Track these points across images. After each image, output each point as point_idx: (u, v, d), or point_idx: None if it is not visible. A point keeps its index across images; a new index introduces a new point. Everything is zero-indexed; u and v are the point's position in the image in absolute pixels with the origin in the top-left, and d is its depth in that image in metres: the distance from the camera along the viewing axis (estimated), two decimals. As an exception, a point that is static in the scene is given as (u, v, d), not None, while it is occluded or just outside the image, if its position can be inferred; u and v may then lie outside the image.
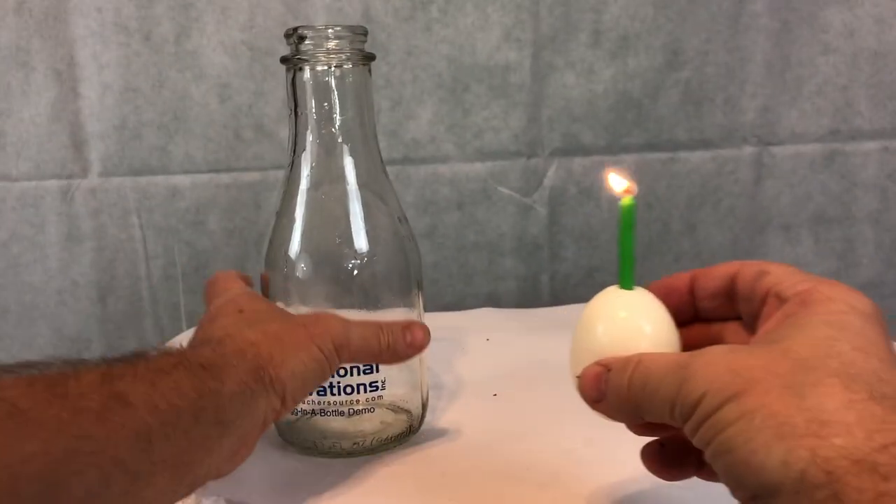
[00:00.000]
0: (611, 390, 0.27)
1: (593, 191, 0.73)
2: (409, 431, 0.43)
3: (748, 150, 0.72)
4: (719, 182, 0.72)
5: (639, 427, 0.30)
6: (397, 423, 0.42)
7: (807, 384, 0.21)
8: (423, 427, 0.44)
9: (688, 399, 0.23)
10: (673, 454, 0.29)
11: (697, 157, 0.72)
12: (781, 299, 0.26)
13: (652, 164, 0.72)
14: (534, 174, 0.72)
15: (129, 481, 0.25)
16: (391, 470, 0.40)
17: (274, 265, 0.41)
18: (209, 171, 0.72)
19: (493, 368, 0.53)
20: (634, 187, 0.29)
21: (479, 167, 0.72)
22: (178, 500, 0.28)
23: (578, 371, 0.29)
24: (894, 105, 0.70)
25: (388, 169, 0.73)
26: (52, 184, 0.72)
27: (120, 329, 0.75)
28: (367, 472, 0.39)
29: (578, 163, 0.72)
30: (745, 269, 0.29)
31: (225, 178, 0.72)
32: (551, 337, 0.60)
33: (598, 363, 0.28)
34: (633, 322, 0.29)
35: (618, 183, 0.30)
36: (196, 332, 0.36)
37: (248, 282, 0.40)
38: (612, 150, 0.72)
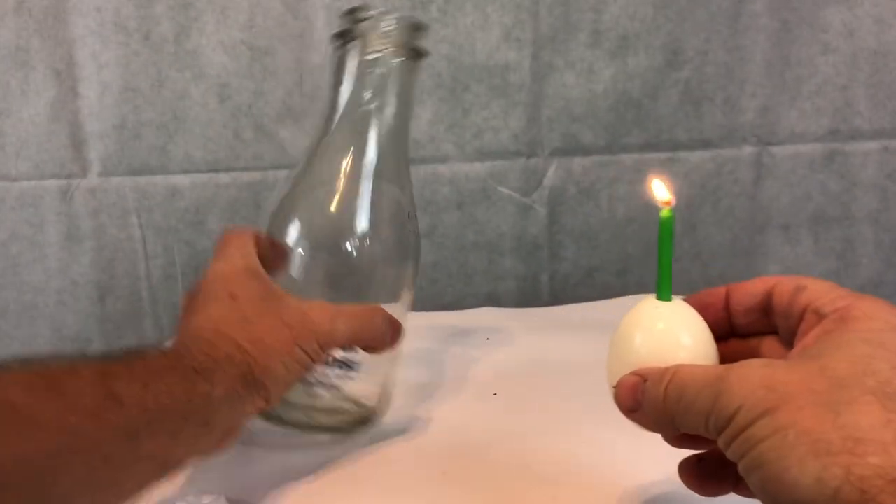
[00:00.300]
0: (647, 401, 0.27)
1: (593, 191, 0.73)
2: (363, 423, 0.43)
3: (748, 149, 0.72)
4: (719, 182, 0.73)
5: (675, 439, 0.30)
6: (353, 412, 0.42)
7: (843, 402, 0.21)
8: (424, 427, 0.44)
9: (723, 412, 0.23)
10: (710, 469, 0.29)
11: (697, 156, 0.72)
12: (820, 315, 0.26)
13: (651, 163, 0.72)
14: (533, 174, 0.72)
15: (113, 472, 0.26)
16: (391, 469, 0.40)
17: (277, 231, 0.41)
18: (209, 170, 0.72)
19: (493, 368, 0.53)
20: (674, 200, 0.29)
21: (478, 167, 0.72)
22: (156, 484, 0.29)
23: (615, 381, 0.29)
24: (894, 105, 0.70)
25: (388, 169, 0.73)
26: (52, 183, 0.72)
27: (119, 329, 0.75)
28: (368, 472, 0.39)
29: (578, 163, 0.72)
30: (782, 284, 0.29)
31: (224, 177, 0.72)
32: (551, 337, 0.60)
33: (634, 373, 0.28)
34: (670, 334, 0.29)
35: (660, 192, 0.30)
36: (188, 308, 0.37)
37: (262, 244, 0.39)
38: (612, 149, 0.72)
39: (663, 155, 0.72)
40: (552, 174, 0.72)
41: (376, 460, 0.40)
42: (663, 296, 0.30)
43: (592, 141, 0.71)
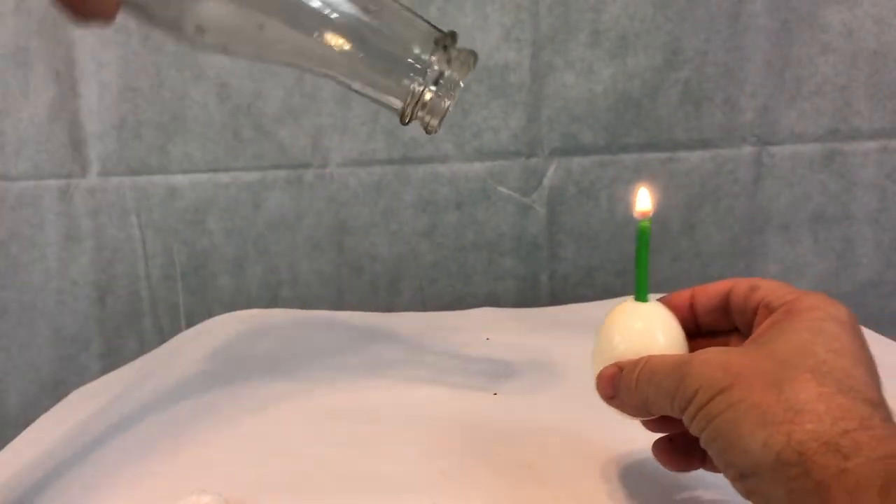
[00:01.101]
0: (622, 387, 0.31)
1: (593, 191, 0.73)
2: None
3: (747, 149, 0.72)
4: (718, 182, 0.73)
5: (651, 423, 0.33)
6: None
7: (785, 379, 0.25)
8: (423, 427, 0.44)
9: (686, 392, 0.27)
10: (680, 448, 0.32)
11: (696, 156, 0.72)
12: (770, 309, 0.30)
13: (651, 163, 0.72)
14: (533, 174, 0.72)
15: None
16: (391, 469, 0.40)
17: None
18: (208, 170, 0.72)
19: (493, 368, 0.54)
20: (651, 211, 0.32)
21: (478, 167, 0.72)
22: None
23: (598, 369, 0.33)
24: (893, 105, 0.70)
25: (388, 168, 0.73)
26: (51, 183, 0.72)
27: (119, 329, 0.75)
28: (367, 472, 0.39)
29: (578, 162, 0.72)
30: (739, 285, 0.32)
31: (224, 177, 0.72)
32: (551, 337, 0.60)
33: (613, 364, 0.32)
34: (647, 332, 0.32)
35: (642, 203, 0.33)
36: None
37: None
38: (612, 149, 0.72)
39: (663, 155, 0.72)
40: (552, 174, 0.72)
41: (376, 460, 0.40)
42: (641, 297, 0.33)
43: (592, 141, 0.71)
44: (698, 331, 0.34)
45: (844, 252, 0.74)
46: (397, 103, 0.35)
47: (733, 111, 0.71)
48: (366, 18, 0.34)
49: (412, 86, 0.34)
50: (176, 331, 0.74)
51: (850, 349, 0.27)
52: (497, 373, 0.53)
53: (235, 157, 0.72)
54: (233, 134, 0.71)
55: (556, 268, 0.75)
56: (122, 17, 0.32)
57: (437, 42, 0.34)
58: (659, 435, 0.33)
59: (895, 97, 0.70)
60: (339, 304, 0.75)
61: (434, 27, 0.35)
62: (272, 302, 0.75)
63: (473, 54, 0.35)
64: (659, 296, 0.35)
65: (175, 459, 0.40)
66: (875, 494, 0.21)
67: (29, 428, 0.50)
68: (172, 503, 0.33)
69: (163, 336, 0.74)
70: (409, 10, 0.35)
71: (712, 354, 0.28)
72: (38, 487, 0.38)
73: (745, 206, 0.73)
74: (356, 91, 0.35)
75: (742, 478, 0.25)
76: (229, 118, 0.71)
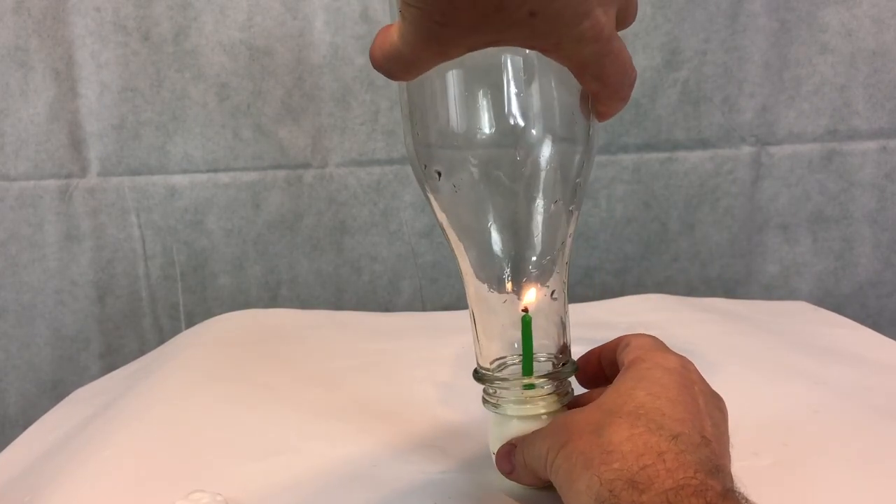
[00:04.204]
0: (517, 463, 0.33)
1: (592, 191, 0.73)
2: None
3: (746, 149, 0.72)
4: (717, 182, 0.73)
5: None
6: None
7: (604, 426, 0.28)
8: (424, 427, 0.44)
9: (541, 454, 0.30)
10: None
11: (696, 156, 0.72)
12: (622, 366, 0.33)
13: (650, 163, 0.72)
14: (532, 174, 0.72)
15: None
16: (391, 469, 0.40)
17: None
18: (208, 170, 0.72)
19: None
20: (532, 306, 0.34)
21: (477, 167, 0.72)
22: None
23: (495, 449, 0.35)
24: (892, 105, 0.70)
25: (388, 168, 0.73)
26: (51, 183, 0.72)
27: (119, 329, 0.75)
28: (367, 472, 0.39)
29: (577, 162, 0.72)
30: (620, 342, 0.35)
31: (223, 177, 0.72)
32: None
33: (508, 443, 0.34)
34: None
35: (528, 297, 0.34)
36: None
37: None
38: (611, 149, 0.72)
39: (662, 155, 0.72)
40: (551, 174, 0.72)
41: (376, 461, 0.40)
42: (526, 372, 0.34)
43: (591, 141, 0.71)
44: (608, 382, 0.35)
45: (843, 252, 0.74)
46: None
47: (732, 111, 0.71)
48: None
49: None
50: (176, 331, 0.74)
51: (670, 391, 0.29)
52: (496, 372, 0.52)
53: (235, 157, 0.72)
54: (232, 134, 0.71)
55: (556, 268, 0.75)
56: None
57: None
58: None
59: (894, 97, 0.70)
60: (338, 304, 0.76)
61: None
62: (272, 302, 0.76)
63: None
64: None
65: (175, 459, 0.40)
66: None
67: (30, 428, 0.50)
68: (172, 503, 0.33)
69: (163, 336, 0.74)
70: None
71: (560, 417, 0.31)
72: (38, 487, 0.38)
73: (744, 207, 0.73)
74: None
75: None
76: (229, 118, 0.71)
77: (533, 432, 0.32)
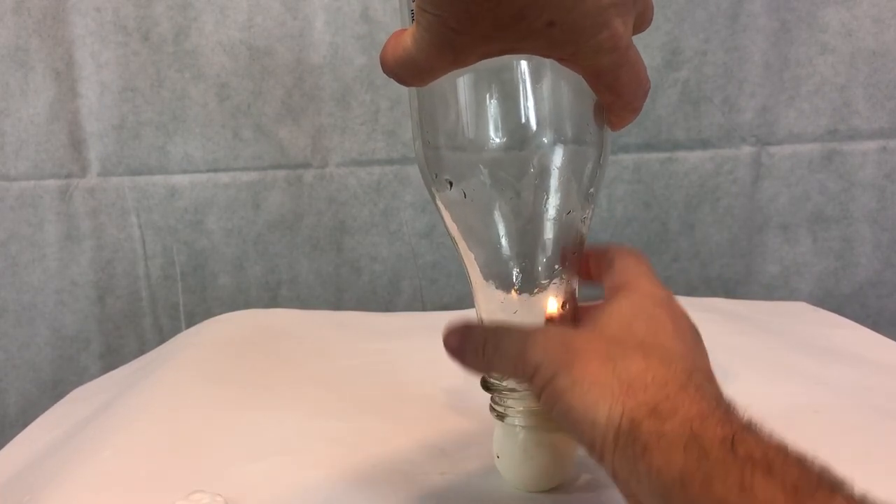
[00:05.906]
0: (468, 347, 0.32)
1: (592, 190, 0.73)
2: None
3: (746, 149, 0.72)
4: (718, 182, 0.73)
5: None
6: None
7: (617, 356, 0.28)
8: (425, 427, 0.44)
9: (527, 364, 0.29)
10: None
11: (696, 156, 0.72)
12: (610, 290, 0.33)
13: (650, 163, 0.72)
14: (532, 174, 0.72)
15: None
16: (392, 470, 0.40)
17: None
18: (208, 170, 0.72)
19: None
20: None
21: (477, 167, 0.72)
22: None
23: (500, 455, 0.36)
24: (892, 105, 0.70)
25: (388, 169, 0.73)
26: (51, 183, 0.72)
27: (119, 329, 0.75)
28: (367, 472, 0.39)
29: (577, 162, 0.72)
30: (605, 256, 0.35)
31: (223, 177, 0.72)
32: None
33: (462, 321, 0.34)
34: None
35: (550, 307, 0.34)
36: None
37: None
38: (611, 149, 0.72)
39: (662, 155, 0.72)
40: (551, 174, 0.72)
41: (376, 461, 0.40)
42: None
43: (591, 141, 0.71)
44: (590, 279, 0.36)
45: (843, 252, 0.74)
46: None
47: (732, 111, 0.71)
48: None
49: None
50: (176, 331, 0.74)
51: (667, 327, 0.30)
52: (496, 372, 0.52)
53: (235, 157, 0.72)
54: (232, 134, 0.71)
55: (556, 268, 0.75)
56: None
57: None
58: None
59: (894, 97, 0.70)
60: (338, 304, 0.75)
61: None
62: (272, 302, 0.76)
63: None
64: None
65: (175, 460, 0.40)
66: (681, 450, 0.24)
67: (29, 427, 0.50)
68: (172, 503, 0.33)
69: (163, 336, 0.74)
70: None
71: (553, 332, 0.30)
72: (36, 487, 0.38)
73: (745, 206, 0.73)
74: None
75: (592, 447, 0.27)
76: (229, 118, 0.71)
77: (518, 330, 0.31)
